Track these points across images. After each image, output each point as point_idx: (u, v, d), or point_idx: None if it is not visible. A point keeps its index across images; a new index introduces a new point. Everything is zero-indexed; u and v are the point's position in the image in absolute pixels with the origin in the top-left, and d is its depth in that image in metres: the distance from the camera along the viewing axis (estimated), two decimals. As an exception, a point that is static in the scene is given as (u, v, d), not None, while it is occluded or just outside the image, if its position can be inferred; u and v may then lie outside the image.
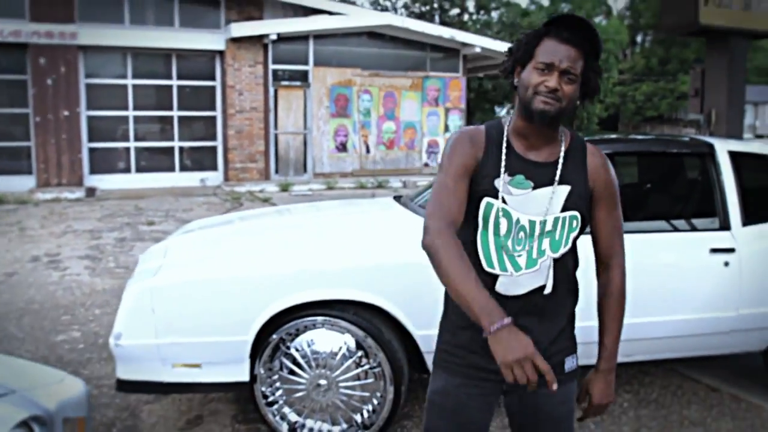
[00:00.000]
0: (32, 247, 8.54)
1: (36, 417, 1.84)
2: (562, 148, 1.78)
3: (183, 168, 15.32)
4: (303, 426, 3.22)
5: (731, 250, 3.45)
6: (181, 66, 15.05)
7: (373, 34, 16.41)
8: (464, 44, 17.21)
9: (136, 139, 14.93)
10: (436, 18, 40.98)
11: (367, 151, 16.70)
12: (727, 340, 3.57)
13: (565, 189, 1.75)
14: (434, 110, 17.31)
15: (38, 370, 2.08)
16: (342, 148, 16.35)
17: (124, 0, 14.35)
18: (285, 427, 3.21)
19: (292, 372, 3.16)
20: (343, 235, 3.59)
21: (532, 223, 1.73)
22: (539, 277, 1.75)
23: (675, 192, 4.09)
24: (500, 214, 1.74)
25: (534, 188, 1.74)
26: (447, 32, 17.21)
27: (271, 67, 15.45)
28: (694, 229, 3.66)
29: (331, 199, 10.74)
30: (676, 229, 3.61)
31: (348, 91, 16.27)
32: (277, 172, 15.86)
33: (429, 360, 3.19)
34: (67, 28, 13.58)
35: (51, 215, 11.14)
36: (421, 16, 38.97)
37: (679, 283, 3.43)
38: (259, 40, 14.99)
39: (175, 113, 15.15)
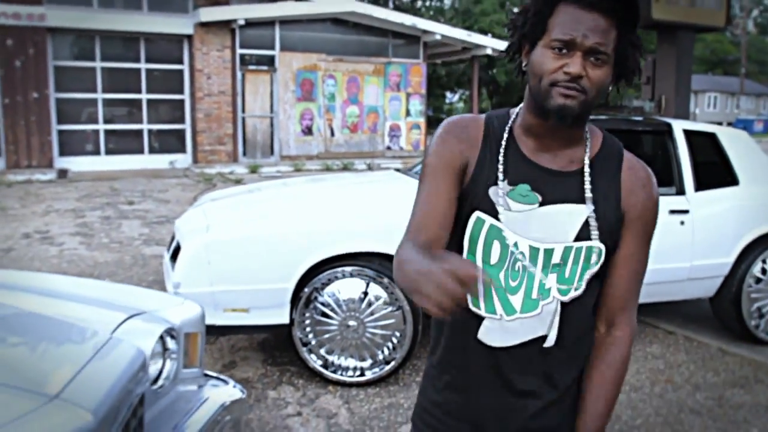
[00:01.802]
0: (19, 225, 8.79)
1: (169, 330, 2.36)
2: (587, 154, 1.35)
3: (152, 150, 15.56)
4: (333, 363, 3.78)
5: (686, 212, 4.15)
6: (150, 49, 15.25)
7: (337, 21, 16.86)
8: (425, 31, 17.81)
9: (105, 121, 15.10)
10: (390, 4, 41.44)
11: (332, 134, 17.18)
12: (683, 288, 4.27)
13: (586, 210, 1.31)
14: (396, 95, 17.89)
15: (162, 296, 2.59)
16: (308, 131, 16.79)
17: (93, -17, 14.49)
18: (318, 363, 3.76)
19: (324, 315, 3.71)
20: (364, 198, 4.16)
21: (533, 251, 1.31)
22: (539, 324, 1.33)
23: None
24: (492, 234, 1.32)
25: (542, 204, 1.31)
26: (408, 19, 17.77)
27: (239, 51, 15.77)
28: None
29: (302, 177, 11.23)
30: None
31: (313, 76, 16.70)
32: (244, 154, 16.23)
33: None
34: (35, 10, 13.64)
35: (27, 196, 11.32)
36: (375, 2, 39.40)
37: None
38: (227, 25, 15.29)
39: (144, 96, 15.36)
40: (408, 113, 18.10)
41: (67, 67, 14.66)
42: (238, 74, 15.86)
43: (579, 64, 1.23)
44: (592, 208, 1.31)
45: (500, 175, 1.33)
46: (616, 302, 1.37)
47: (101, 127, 15.08)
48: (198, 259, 3.55)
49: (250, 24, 15.57)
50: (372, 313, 3.72)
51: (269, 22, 15.97)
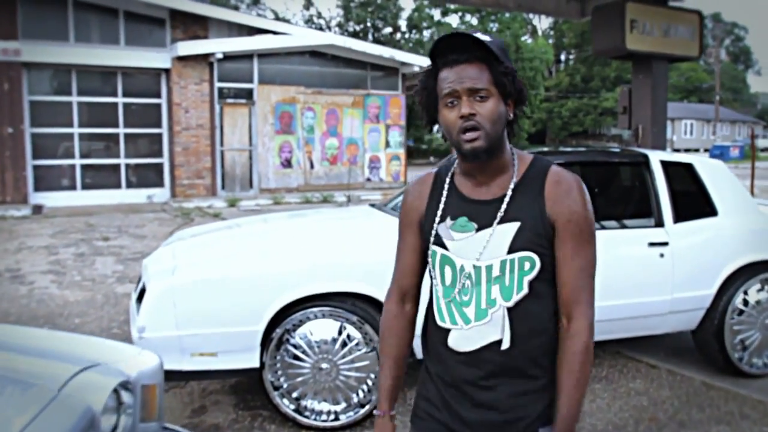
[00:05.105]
0: (-11, 263, 8.57)
1: (124, 383, 2.22)
2: (513, 180, 1.62)
3: (129, 185, 15.37)
4: (306, 407, 3.63)
5: (665, 244, 4.08)
6: (127, 83, 15.14)
7: (315, 53, 16.90)
8: (403, 63, 17.90)
9: (82, 156, 14.92)
10: (370, 36, 41.81)
11: (311, 166, 17.11)
12: (665, 321, 4.18)
13: (513, 226, 1.58)
14: (375, 127, 17.89)
15: (118, 346, 2.45)
16: (287, 164, 16.71)
17: (69, 17, 14.40)
18: (291, 408, 3.61)
19: (296, 357, 3.57)
20: (338, 235, 4.05)
21: (477, 269, 1.59)
22: (493, 330, 1.59)
23: (618, 195, 4.73)
24: (444, 262, 1.64)
25: (477, 230, 1.60)
26: (387, 52, 17.86)
27: (217, 85, 15.72)
28: (635, 226, 4.26)
29: (279, 213, 11.09)
30: (623, 227, 4.22)
31: (292, 109, 16.67)
32: (223, 188, 16.08)
33: (416, 343, 3.67)
34: (10, 45, 13.52)
35: (0, 232, 11.09)
36: (355, 35, 39.73)
37: (623, 272, 4.02)
38: (204, 58, 15.25)
39: (121, 130, 15.21)
40: (388, 144, 18.09)
41: (43, 101, 14.50)
42: (217, 107, 15.79)
43: (467, 105, 1.54)
44: (518, 224, 1.58)
45: (441, 214, 1.66)
46: (569, 297, 1.59)
47: (77, 161, 14.89)
48: (163, 302, 3.40)
49: (228, 57, 15.54)
50: (345, 355, 3.59)
51: (247, 56, 15.96)
